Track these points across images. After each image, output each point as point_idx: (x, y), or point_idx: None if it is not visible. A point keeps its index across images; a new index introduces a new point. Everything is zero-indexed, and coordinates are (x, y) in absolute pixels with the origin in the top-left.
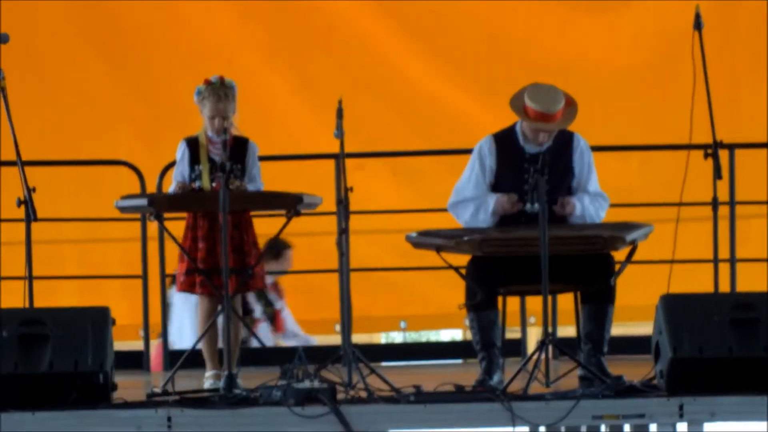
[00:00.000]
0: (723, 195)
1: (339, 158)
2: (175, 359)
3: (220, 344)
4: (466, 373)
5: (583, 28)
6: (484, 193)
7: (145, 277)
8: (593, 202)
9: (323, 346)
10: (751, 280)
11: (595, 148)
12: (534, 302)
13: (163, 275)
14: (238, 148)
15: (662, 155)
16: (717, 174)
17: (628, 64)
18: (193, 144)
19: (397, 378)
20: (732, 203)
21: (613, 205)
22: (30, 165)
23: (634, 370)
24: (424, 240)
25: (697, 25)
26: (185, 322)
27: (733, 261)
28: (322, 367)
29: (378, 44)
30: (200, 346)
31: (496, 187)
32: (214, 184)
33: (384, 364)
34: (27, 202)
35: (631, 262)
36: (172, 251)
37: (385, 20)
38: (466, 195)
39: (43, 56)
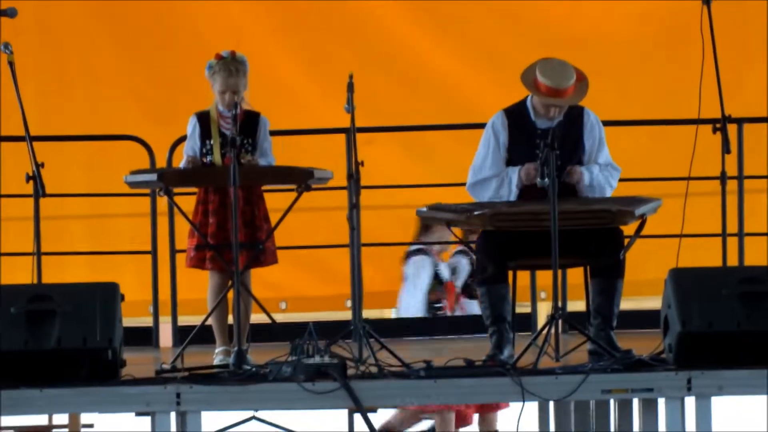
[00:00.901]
0: (731, 169)
1: (350, 133)
2: (184, 335)
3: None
4: (477, 347)
5: (593, 3)
6: (502, 170)
7: (154, 252)
8: (603, 171)
9: (334, 322)
10: (759, 254)
11: (605, 123)
12: (544, 278)
13: (173, 251)
14: (249, 122)
15: (671, 130)
16: (725, 148)
17: (637, 40)
18: (204, 119)
19: (407, 353)
20: (740, 177)
21: (622, 179)
22: (38, 140)
23: (643, 344)
24: (435, 214)
25: None
26: (417, 292)
27: (741, 235)
28: (333, 342)
29: (387, 20)
30: (210, 321)
31: (508, 162)
32: (224, 159)
33: (394, 339)
34: (35, 178)
35: (641, 236)
36: (182, 227)
37: None
38: (484, 174)
39: (52, 31)
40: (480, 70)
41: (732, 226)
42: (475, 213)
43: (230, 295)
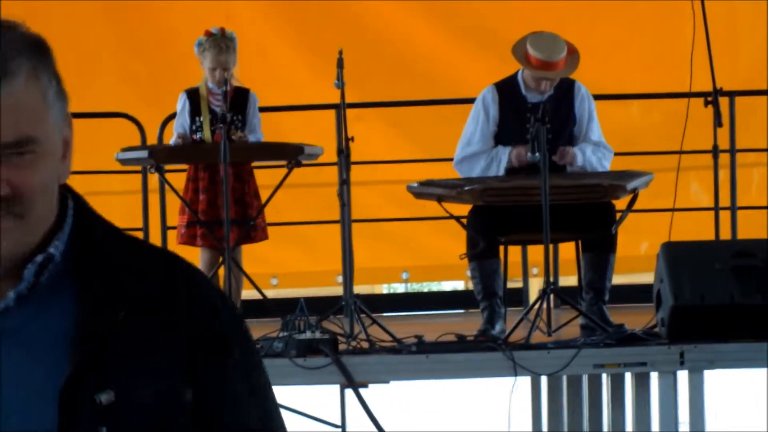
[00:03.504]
0: (723, 143)
1: (340, 108)
2: None
3: None
4: (468, 323)
5: None
6: (490, 144)
7: (146, 229)
8: (596, 152)
9: (325, 297)
10: (751, 228)
11: (596, 97)
12: (536, 254)
13: (164, 228)
14: (239, 98)
15: (662, 103)
16: (717, 122)
17: (627, 13)
18: (193, 95)
19: (398, 328)
20: (732, 151)
21: (614, 154)
22: None
23: (635, 318)
24: (426, 190)
25: None
26: None
27: (733, 209)
28: (324, 318)
29: None
30: None
31: (498, 136)
32: (215, 136)
33: (386, 314)
34: None
35: (632, 210)
36: (173, 204)
37: None
38: (472, 149)
39: (42, 10)
40: (468, 45)
41: (724, 200)
42: (466, 188)
43: (221, 271)
